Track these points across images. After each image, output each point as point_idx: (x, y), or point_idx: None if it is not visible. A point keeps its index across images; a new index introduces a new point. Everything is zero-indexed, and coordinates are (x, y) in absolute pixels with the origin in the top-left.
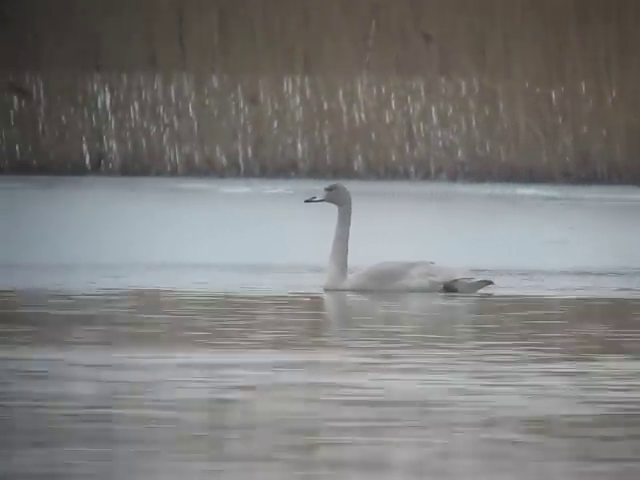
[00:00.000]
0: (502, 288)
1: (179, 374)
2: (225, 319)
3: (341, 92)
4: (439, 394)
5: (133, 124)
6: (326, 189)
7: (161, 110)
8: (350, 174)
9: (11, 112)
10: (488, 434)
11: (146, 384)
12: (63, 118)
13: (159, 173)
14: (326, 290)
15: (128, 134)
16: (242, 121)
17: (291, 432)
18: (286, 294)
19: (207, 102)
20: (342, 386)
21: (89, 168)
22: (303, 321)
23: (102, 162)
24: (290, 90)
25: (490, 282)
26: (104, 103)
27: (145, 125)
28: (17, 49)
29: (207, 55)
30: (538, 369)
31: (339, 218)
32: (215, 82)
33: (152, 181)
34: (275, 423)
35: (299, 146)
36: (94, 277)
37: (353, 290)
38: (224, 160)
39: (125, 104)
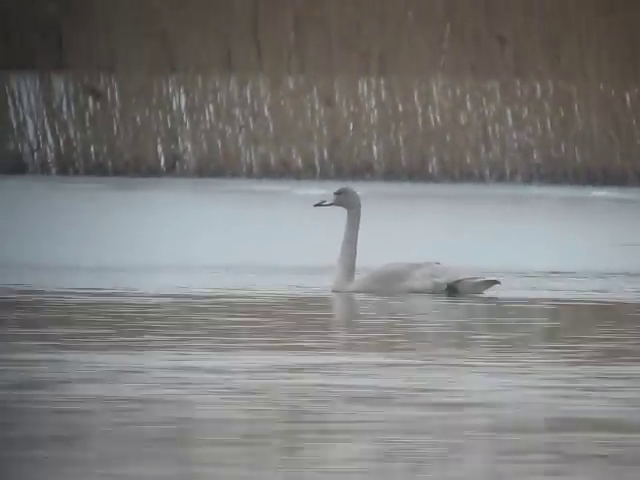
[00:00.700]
0: (510, 290)
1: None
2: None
3: (416, 94)
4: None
5: (208, 125)
6: (335, 193)
7: (236, 111)
8: (425, 176)
9: (86, 114)
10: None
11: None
12: (138, 119)
13: (234, 174)
14: (333, 291)
15: (203, 135)
16: (318, 122)
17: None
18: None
19: (282, 103)
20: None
21: (164, 169)
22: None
23: (177, 163)
24: (365, 92)
25: (496, 282)
26: (179, 105)
27: (220, 126)
28: (92, 51)
29: (282, 56)
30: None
31: (348, 221)
32: (291, 83)
33: (227, 183)
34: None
35: (374, 148)
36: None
37: (359, 292)
38: (300, 162)
39: (200, 105)
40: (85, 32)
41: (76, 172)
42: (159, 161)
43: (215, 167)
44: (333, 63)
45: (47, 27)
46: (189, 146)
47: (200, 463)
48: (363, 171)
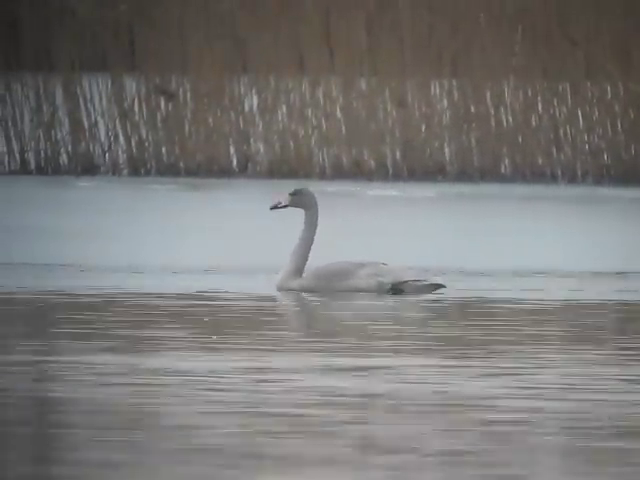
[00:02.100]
0: (456, 290)
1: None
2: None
3: (488, 95)
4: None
5: (280, 126)
6: (290, 194)
7: (309, 112)
8: (497, 177)
9: (158, 115)
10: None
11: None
12: (210, 120)
13: (307, 175)
14: (278, 290)
15: (275, 136)
16: (390, 124)
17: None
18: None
19: (355, 105)
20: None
21: (236, 170)
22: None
23: (249, 164)
24: (438, 93)
25: (441, 285)
26: (251, 105)
27: (293, 127)
28: (164, 52)
29: (355, 58)
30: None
31: (305, 222)
32: (363, 85)
33: (299, 184)
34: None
35: (446, 149)
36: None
37: (303, 290)
38: (372, 163)
39: (272, 107)
40: (157, 33)
41: (148, 173)
42: (231, 162)
43: (287, 168)
44: (405, 65)
45: (119, 28)
46: (261, 147)
47: None
48: (435, 172)
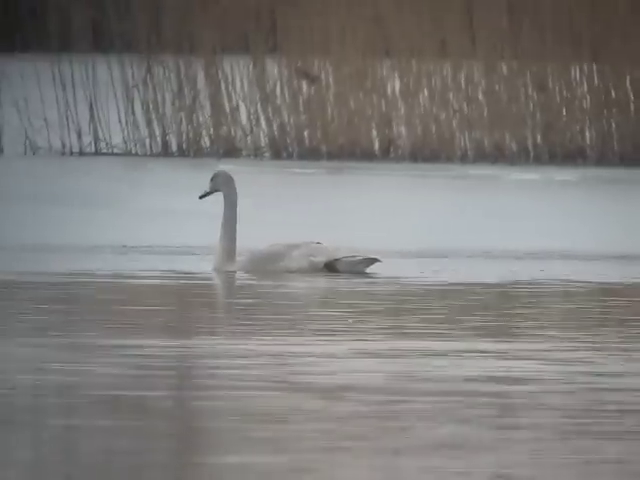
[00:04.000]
0: (387, 268)
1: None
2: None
3: (628, 80)
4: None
5: (422, 110)
6: (210, 180)
7: (450, 96)
8: (638, 162)
9: (300, 98)
10: None
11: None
12: (352, 104)
13: (449, 159)
14: (215, 271)
15: (417, 120)
16: (531, 107)
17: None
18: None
19: (497, 88)
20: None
21: (378, 154)
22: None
23: (391, 148)
24: (578, 78)
25: (375, 260)
26: (393, 89)
27: (435, 111)
28: (306, 35)
29: (496, 42)
30: None
31: (224, 202)
32: (504, 69)
33: (441, 167)
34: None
35: (587, 133)
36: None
37: (239, 271)
38: (514, 146)
39: (414, 90)
40: (299, 16)
41: (290, 156)
42: (373, 145)
43: (429, 152)
44: (546, 49)
45: (261, 11)
46: (403, 130)
47: None
48: (576, 156)
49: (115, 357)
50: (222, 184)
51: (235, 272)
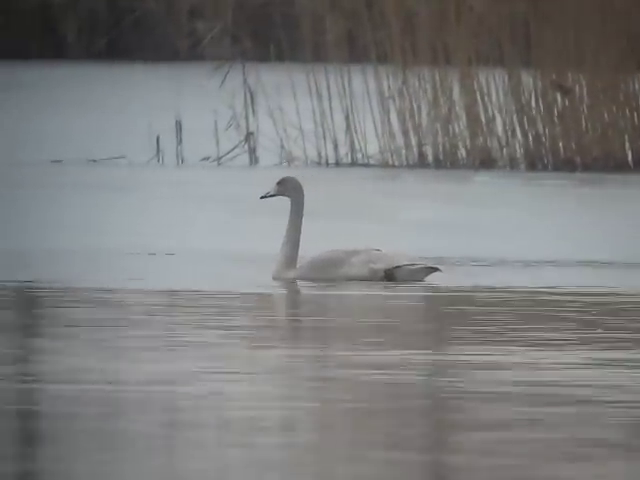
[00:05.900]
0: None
1: None
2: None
3: None
4: None
5: None
6: (277, 183)
7: None
8: None
9: (554, 109)
10: None
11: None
12: (605, 116)
13: None
14: (274, 279)
15: None
16: None
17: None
18: None
19: None
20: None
21: (631, 166)
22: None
23: None
24: None
25: (436, 269)
26: None
27: None
28: (560, 48)
29: None
30: None
31: (291, 209)
32: None
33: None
34: None
35: None
36: None
37: (299, 279)
38: None
39: None
40: (553, 30)
41: (544, 168)
42: (626, 157)
43: None
44: None
45: (515, 24)
46: None
47: None
48: None
49: None
50: (291, 190)
51: (294, 280)
